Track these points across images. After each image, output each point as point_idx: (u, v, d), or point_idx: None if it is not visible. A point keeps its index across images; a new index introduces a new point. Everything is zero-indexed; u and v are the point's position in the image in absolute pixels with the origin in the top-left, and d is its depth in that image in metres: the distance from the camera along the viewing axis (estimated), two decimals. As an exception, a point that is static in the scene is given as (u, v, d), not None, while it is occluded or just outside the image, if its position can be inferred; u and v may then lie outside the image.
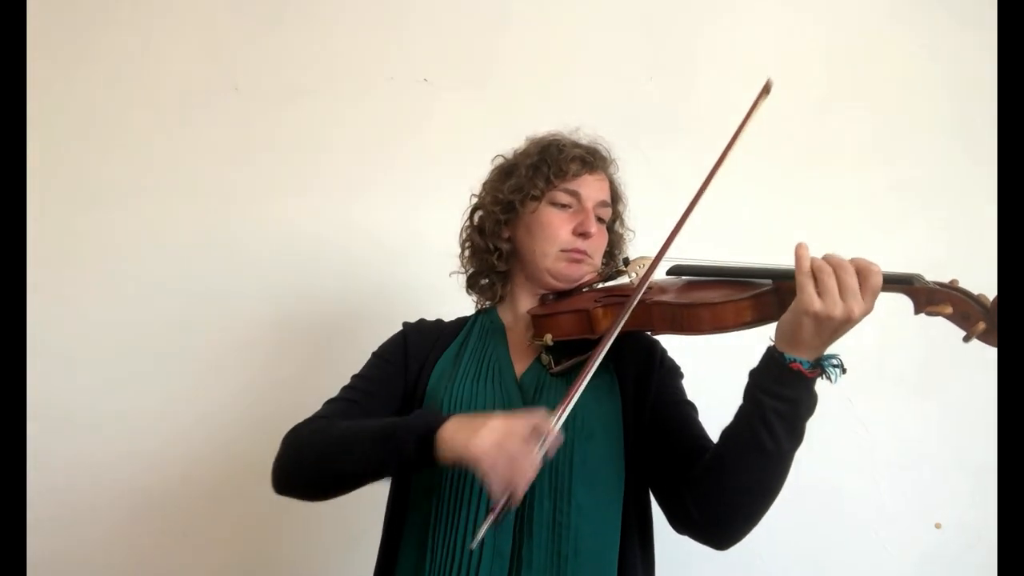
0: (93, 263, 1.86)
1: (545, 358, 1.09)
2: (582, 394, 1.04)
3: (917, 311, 0.87)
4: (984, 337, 0.83)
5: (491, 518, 0.84)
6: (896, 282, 0.87)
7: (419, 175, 1.83)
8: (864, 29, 1.76)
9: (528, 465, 0.82)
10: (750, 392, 0.92)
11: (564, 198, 1.13)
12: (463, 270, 1.24)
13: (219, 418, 1.81)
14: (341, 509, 1.76)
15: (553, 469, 1.00)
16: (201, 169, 1.87)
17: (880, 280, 0.84)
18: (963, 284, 0.86)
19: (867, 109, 1.75)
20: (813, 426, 1.89)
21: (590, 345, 1.06)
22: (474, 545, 0.87)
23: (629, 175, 1.78)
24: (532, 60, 1.82)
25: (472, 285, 1.23)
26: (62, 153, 1.89)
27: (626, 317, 0.96)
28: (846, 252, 1.80)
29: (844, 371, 0.91)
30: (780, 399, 0.89)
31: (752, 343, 0.96)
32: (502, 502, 0.83)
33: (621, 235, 1.26)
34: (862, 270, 0.85)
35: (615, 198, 1.22)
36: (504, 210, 1.15)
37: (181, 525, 1.82)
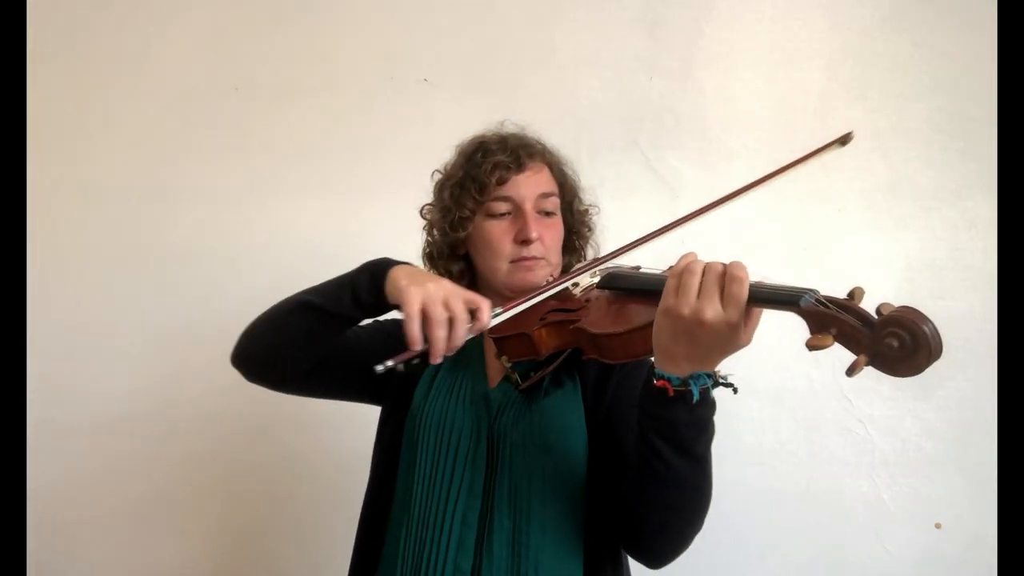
0: (93, 263, 1.86)
1: (512, 376, 1.06)
2: (543, 408, 1.02)
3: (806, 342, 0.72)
4: (876, 367, 0.69)
5: (400, 358, 0.83)
6: (778, 301, 0.75)
7: (419, 175, 1.82)
8: (864, 29, 1.76)
9: (457, 327, 0.83)
10: (637, 413, 0.87)
11: (499, 207, 1.08)
12: None
13: (219, 418, 1.81)
14: (340, 509, 1.76)
15: (512, 486, 0.99)
16: (201, 169, 1.87)
17: (741, 290, 0.75)
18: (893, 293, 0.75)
19: (867, 109, 1.75)
20: (813, 426, 1.89)
21: (552, 359, 1.04)
22: (379, 368, 0.81)
23: (629, 175, 1.79)
24: (532, 60, 1.82)
25: None
26: (62, 153, 1.89)
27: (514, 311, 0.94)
28: (846, 252, 1.80)
29: (734, 389, 0.84)
30: (655, 419, 0.83)
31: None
32: (417, 350, 0.83)
33: (584, 212, 1.20)
34: (726, 275, 0.77)
35: (561, 181, 1.16)
36: (444, 235, 1.13)
37: (181, 525, 1.82)
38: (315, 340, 1.02)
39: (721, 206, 1.00)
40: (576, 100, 1.80)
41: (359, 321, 1.01)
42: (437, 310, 0.83)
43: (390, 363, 0.82)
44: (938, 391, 1.68)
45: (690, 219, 1.00)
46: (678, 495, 0.87)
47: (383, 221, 1.83)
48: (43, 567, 1.79)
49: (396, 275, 0.92)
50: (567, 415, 1.02)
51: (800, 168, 1.00)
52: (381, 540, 1.06)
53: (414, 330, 0.83)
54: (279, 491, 1.81)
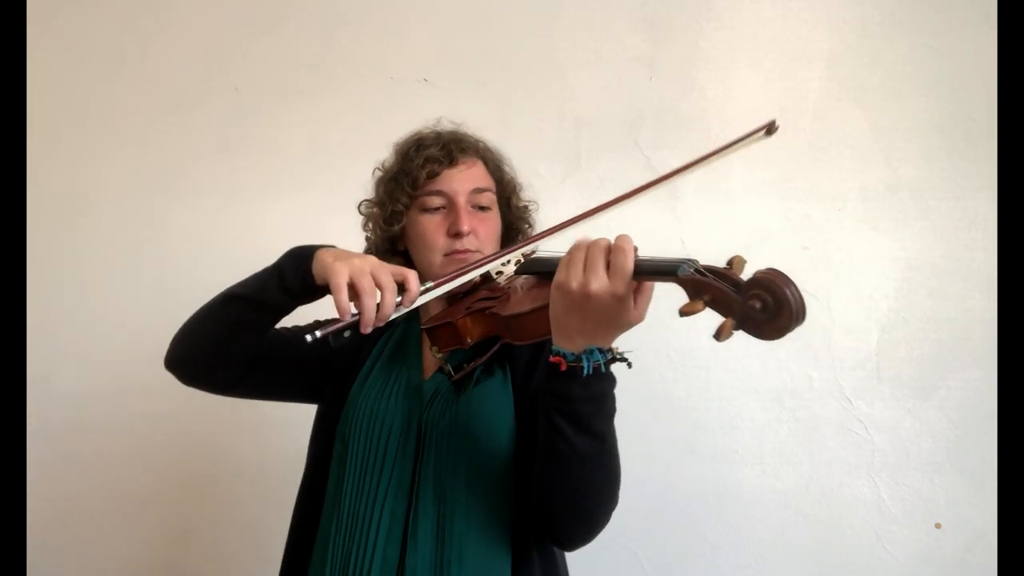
0: (93, 263, 1.86)
1: (445, 368, 1.07)
2: (471, 397, 1.03)
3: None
4: (745, 330, 0.69)
5: (331, 328, 0.83)
6: (658, 272, 0.78)
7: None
8: (864, 28, 1.76)
9: (386, 297, 0.84)
10: (542, 392, 0.88)
11: (433, 201, 1.09)
12: None
13: (219, 418, 1.81)
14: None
15: (437, 476, 0.99)
16: (200, 169, 1.87)
17: (625, 260, 0.78)
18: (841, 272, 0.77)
19: (866, 109, 1.75)
20: (813, 426, 1.88)
21: (484, 350, 1.05)
22: (309, 338, 0.82)
23: (629, 175, 1.78)
24: (532, 60, 1.82)
25: None
26: (62, 153, 1.89)
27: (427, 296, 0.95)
28: (847, 253, 1.80)
29: (628, 364, 0.85)
30: (553, 395, 0.85)
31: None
32: (347, 320, 0.83)
33: (524, 208, 1.21)
34: (612, 247, 0.80)
35: (497, 177, 1.16)
36: (382, 229, 1.13)
37: (181, 525, 1.83)
38: (244, 334, 1.01)
39: (646, 191, 1.04)
40: (576, 100, 1.80)
41: (287, 310, 1.00)
42: (364, 280, 0.84)
43: (319, 333, 0.82)
44: (938, 391, 1.68)
45: (610, 206, 1.02)
46: (581, 473, 0.88)
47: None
48: (43, 567, 1.79)
49: (322, 254, 0.92)
50: (495, 403, 1.03)
51: (726, 155, 1.01)
52: (312, 536, 1.07)
53: (342, 300, 0.83)
54: (277, 490, 1.81)
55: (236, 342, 1.02)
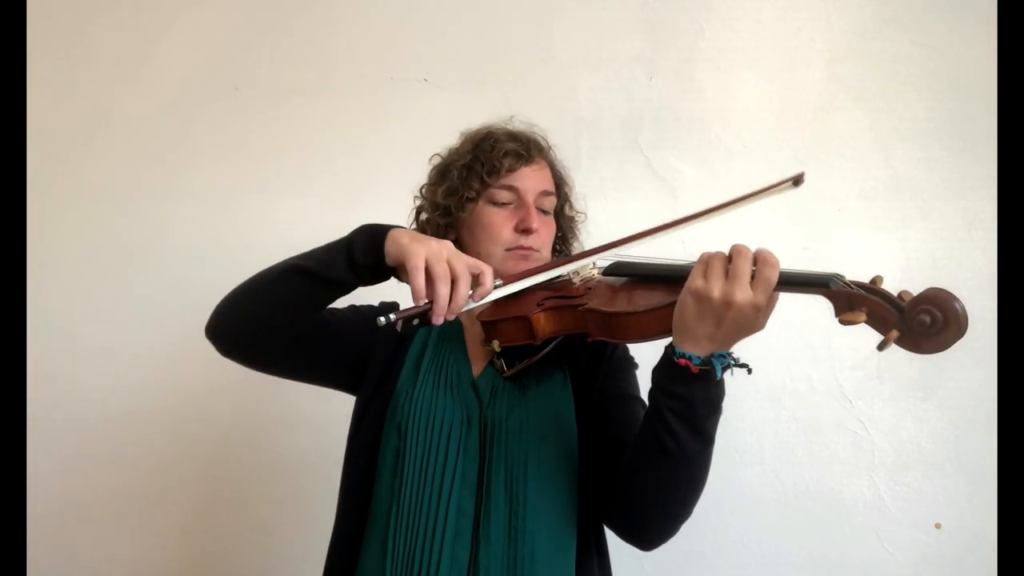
0: (93, 263, 1.86)
1: (497, 362, 1.06)
2: (536, 396, 1.03)
3: (836, 316, 0.79)
4: (903, 344, 0.75)
5: (403, 313, 0.83)
6: (809, 284, 0.80)
7: (419, 175, 1.82)
8: (864, 29, 1.76)
9: (459, 287, 0.84)
10: (651, 389, 0.89)
11: (503, 195, 1.09)
12: None
13: (219, 418, 1.81)
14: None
15: (508, 473, 0.99)
16: (201, 169, 1.87)
17: (773, 273, 0.80)
18: (906, 283, 0.80)
19: (866, 109, 1.75)
20: (813, 426, 1.89)
21: (540, 347, 1.04)
22: (382, 320, 0.82)
23: (629, 175, 1.79)
24: (532, 60, 1.82)
25: None
26: (62, 153, 1.89)
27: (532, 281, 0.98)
28: (847, 253, 1.80)
29: (748, 370, 0.86)
30: (672, 397, 0.85)
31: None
32: (421, 306, 0.84)
33: (572, 218, 1.23)
34: (758, 259, 0.81)
35: (559, 184, 1.18)
36: (443, 214, 1.12)
37: (181, 525, 1.83)
38: (301, 309, 0.99)
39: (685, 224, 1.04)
40: (576, 100, 1.80)
41: (351, 287, 0.99)
42: (441, 267, 0.84)
43: (393, 316, 0.82)
44: (938, 391, 1.68)
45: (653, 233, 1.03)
46: (683, 472, 0.89)
47: (383, 220, 1.83)
48: (43, 566, 1.79)
49: (397, 234, 0.91)
50: (559, 405, 1.04)
51: (748, 204, 1.05)
52: (362, 528, 1.04)
53: (419, 282, 0.83)
54: (278, 490, 1.81)
55: (290, 316, 0.99)
